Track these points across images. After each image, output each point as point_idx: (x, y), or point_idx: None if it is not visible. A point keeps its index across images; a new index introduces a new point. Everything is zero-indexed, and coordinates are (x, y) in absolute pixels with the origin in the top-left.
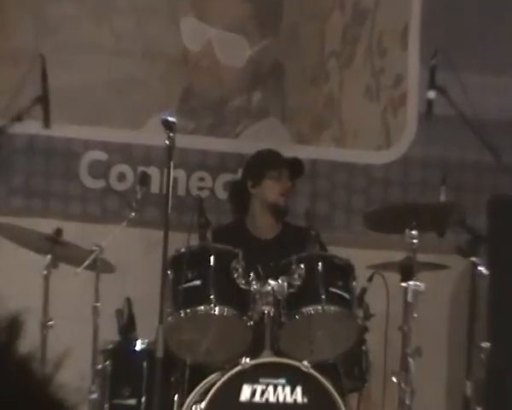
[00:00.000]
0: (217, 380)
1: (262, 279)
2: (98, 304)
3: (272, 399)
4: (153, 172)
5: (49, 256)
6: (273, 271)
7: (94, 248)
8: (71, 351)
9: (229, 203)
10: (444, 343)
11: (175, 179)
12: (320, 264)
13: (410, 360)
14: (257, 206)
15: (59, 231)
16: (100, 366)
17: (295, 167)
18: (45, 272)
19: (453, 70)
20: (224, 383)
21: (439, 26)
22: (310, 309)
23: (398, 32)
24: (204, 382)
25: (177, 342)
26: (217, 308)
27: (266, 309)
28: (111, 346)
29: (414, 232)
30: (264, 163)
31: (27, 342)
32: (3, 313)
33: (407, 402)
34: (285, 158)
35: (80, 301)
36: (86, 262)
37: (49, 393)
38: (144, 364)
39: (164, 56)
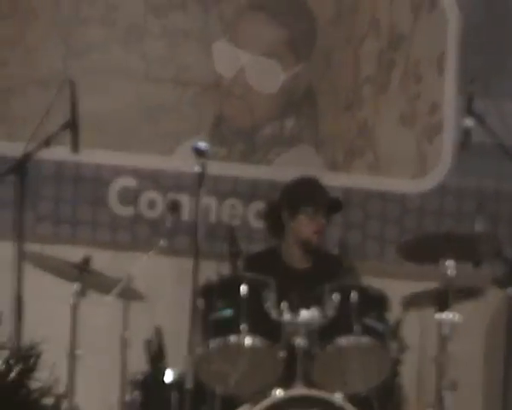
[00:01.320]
0: None
1: (294, 309)
2: (127, 333)
3: None
4: (183, 199)
5: (77, 284)
6: (306, 300)
7: (123, 276)
8: (99, 382)
9: (265, 228)
10: (479, 377)
11: (206, 207)
12: (353, 294)
13: (445, 393)
14: (291, 236)
15: (87, 259)
16: (129, 397)
17: (333, 206)
18: (73, 301)
19: (491, 97)
20: None
21: (477, 53)
22: (343, 341)
23: (434, 58)
24: None
25: (206, 373)
26: (247, 339)
27: (298, 340)
28: (140, 377)
29: (449, 262)
30: (300, 197)
31: (55, 372)
32: (26, 344)
33: None
34: (324, 193)
35: (109, 330)
36: (115, 290)
37: None
38: (174, 395)
39: (195, 82)
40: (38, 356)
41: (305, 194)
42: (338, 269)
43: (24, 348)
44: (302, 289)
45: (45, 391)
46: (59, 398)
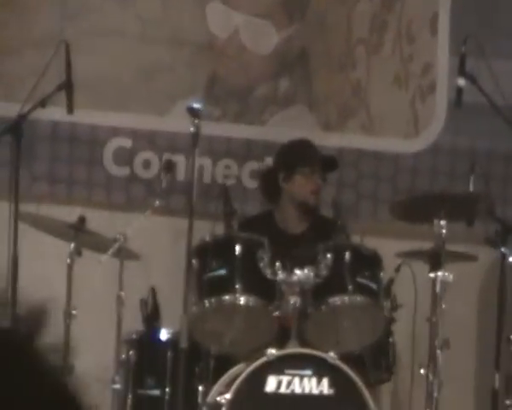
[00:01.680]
0: (242, 371)
1: (288, 269)
2: (122, 293)
3: (298, 390)
4: (178, 159)
5: (72, 244)
6: (300, 260)
7: (118, 236)
8: (94, 341)
9: (260, 192)
10: (472, 335)
11: (200, 167)
12: (347, 254)
13: (438, 351)
14: (286, 200)
15: (82, 219)
16: (123, 356)
17: (329, 165)
18: (69, 261)
19: (483, 57)
20: (249, 375)
21: (469, 13)
22: (336, 300)
23: (427, 19)
24: (229, 373)
25: (201, 333)
26: (242, 298)
27: (292, 299)
28: (135, 336)
29: (443, 222)
30: (296, 158)
31: (51, 332)
32: (27, 302)
33: (435, 395)
34: (318, 153)
35: (104, 289)
36: (110, 251)
37: (66, 387)
38: (168, 354)
39: (190, 43)
40: (48, 313)
41: (300, 154)
42: (332, 230)
43: (33, 306)
44: (296, 251)
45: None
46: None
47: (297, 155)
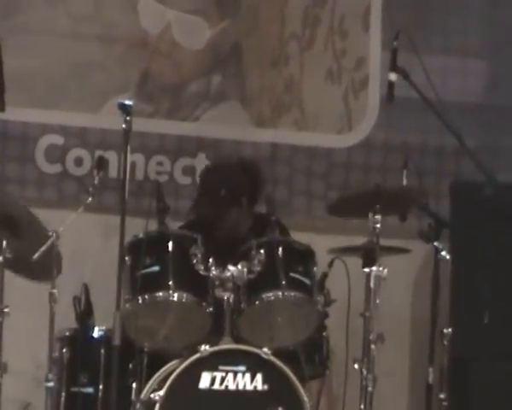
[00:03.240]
0: (175, 368)
1: (221, 265)
2: (55, 290)
3: (232, 386)
4: (110, 156)
5: (4, 242)
6: (233, 256)
7: (50, 233)
8: (27, 339)
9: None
10: (406, 330)
11: (133, 164)
12: (280, 249)
13: (373, 346)
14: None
15: (11, 220)
16: (57, 354)
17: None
18: (0, 258)
19: (415, 52)
20: (182, 371)
21: (401, 8)
22: (270, 295)
23: (359, 14)
24: (162, 369)
25: (134, 329)
26: (175, 294)
27: (225, 295)
28: (68, 333)
29: (377, 216)
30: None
31: None
32: None
33: (369, 389)
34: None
35: (37, 287)
36: (42, 248)
37: None
38: (102, 351)
39: (121, 40)
40: None
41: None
42: (266, 226)
43: None
44: (229, 246)
45: None
46: None
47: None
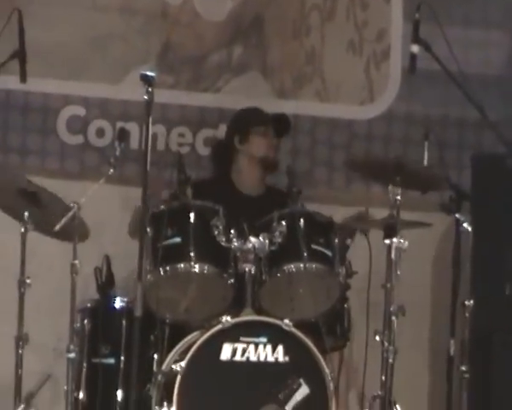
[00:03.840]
0: (197, 339)
1: (243, 237)
2: (76, 262)
3: (253, 358)
4: (132, 127)
5: (26, 213)
6: (254, 228)
7: (72, 204)
8: (49, 310)
9: (212, 161)
10: (427, 302)
11: (154, 135)
12: (302, 221)
13: (394, 318)
14: (244, 162)
15: (35, 195)
16: (78, 325)
17: (281, 124)
18: (22, 229)
19: (437, 24)
20: (204, 342)
21: None
22: (291, 267)
23: None
24: (184, 341)
25: (156, 301)
26: (197, 266)
27: (247, 267)
28: (89, 304)
29: (397, 189)
30: (250, 119)
31: (4, 299)
32: None
33: (390, 361)
34: (270, 115)
35: (58, 258)
36: (63, 220)
37: None
38: (123, 322)
39: (143, 11)
40: None
41: (253, 116)
42: (287, 200)
43: None
44: (253, 217)
45: None
46: None
47: (250, 117)
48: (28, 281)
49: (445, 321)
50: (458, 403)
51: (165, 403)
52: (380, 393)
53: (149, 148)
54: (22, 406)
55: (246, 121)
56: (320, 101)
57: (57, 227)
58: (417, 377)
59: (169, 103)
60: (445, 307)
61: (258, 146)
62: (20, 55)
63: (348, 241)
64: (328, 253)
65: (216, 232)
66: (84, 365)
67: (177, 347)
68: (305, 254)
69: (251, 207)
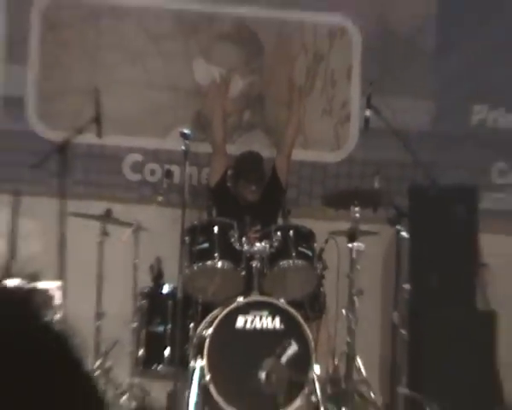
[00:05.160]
0: (219, 313)
1: (251, 243)
2: (137, 261)
3: (258, 326)
4: (175, 168)
5: (101, 229)
6: (259, 236)
7: (133, 222)
8: (119, 296)
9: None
10: (378, 286)
11: (190, 174)
12: (291, 232)
13: (355, 298)
14: (236, 192)
15: (109, 211)
16: (139, 304)
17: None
18: (99, 240)
19: (383, 95)
20: (224, 315)
21: (374, 64)
22: (285, 263)
23: (344, 70)
24: (210, 314)
25: (192, 287)
26: (219, 263)
27: (254, 263)
28: (146, 290)
29: (356, 208)
30: (239, 173)
31: (86, 293)
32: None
33: (352, 328)
34: (255, 170)
35: (124, 259)
36: (128, 232)
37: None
38: (169, 302)
39: (182, 88)
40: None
41: (242, 170)
42: (279, 198)
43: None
44: (253, 216)
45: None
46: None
47: (240, 171)
48: (104, 275)
49: (391, 300)
50: (400, 356)
51: (198, 358)
52: (346, 350)
53: (187, 183)
54: (101, 359)
55: (237, 173)
56: (304, 149)
57: (124, 238)
58: (372, 339)
59: (200, 152)
60: (391, 290)
61: (242, 189)
62: (97, 119)
63: (323, 245)
64: (310, 253)
65: (232, 240)
66: (143, 331)
67: (206, 319)
68: (294, 254)
69: (253, 214)
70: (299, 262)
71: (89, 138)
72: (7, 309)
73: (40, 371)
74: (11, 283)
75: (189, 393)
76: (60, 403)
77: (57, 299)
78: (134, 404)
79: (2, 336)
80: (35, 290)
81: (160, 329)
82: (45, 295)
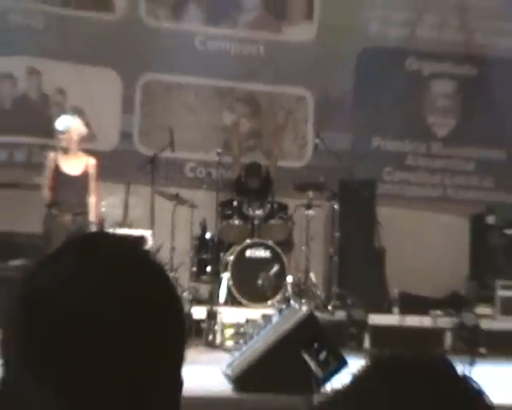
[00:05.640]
0: (236, 248)
1: (253, 210)
2: (192, 220)
3: (257, 255)
4: (213, 170)
5: (173, 203)
6: (258, 206)
7: (190, 199)
8: (182, 242)
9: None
10: (322, 234)
11: (221, 174)
12: (275, 204)
13: (310, 241)
14: None
15: (177, 194)
16: (194, 243)
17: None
18: (172, 208)
19: (324, 132)
20: (239, 249)
21: (320, 115)
22: (272, 221)
23: (304, 118)
24: (231, 249)
25: (222, 234)
26: (236, 221)
27: (255, 221)
28: (198, 235)
29: (311, 192)
30: (248, 173)
31: (165, 237)
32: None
33: (308, 257)
34: (258, 173)
35: (185, 219)
36: (188, 204)
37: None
38: (210, 243)
39: (217, 127)
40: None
41: (250, 171)
42: (269, 185)
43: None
44: (256, 200)
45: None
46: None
47: (250, 171)
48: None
49: (328, 241)
50: (334, 271)
51: (225, 272)
52: (304, 268)
53: (219, 178)
54: (173, 272)
55: (247, 172)
56: (282, 160)
57: (188, 205)
58: (318, 262)
59: (226, 162)
60: (328, 236)
61: (249, 182)
62: (171, 143)
63: (292, 212)
64: (285, 216)
65: (244, 208)
66: (195, 258)
67: (230, 250)
68: (276, 217)
69: (254, 193)
70: (279, 221)
71: (167, 153)
72: (131, 243)
73: (158, 289)
74: (125, 232)
75: (220, 291)
76: (167, 322)
77: (150, 241)
78: (190, 296)
79: (136, 261)
80: (140, 236)
81: (205, 256)
82: (144, 239)
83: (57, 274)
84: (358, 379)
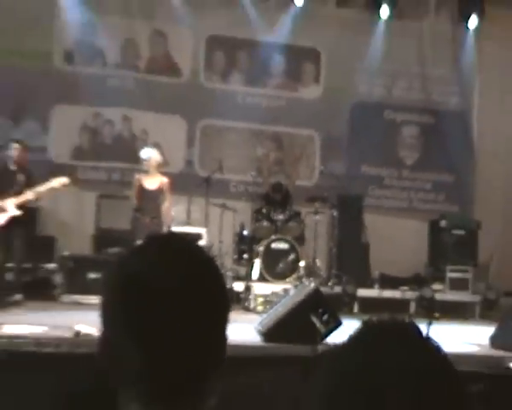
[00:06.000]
0: (264, 242)
1: (275, 215)
2: (234, 222)
3: (279, 247)
4: (250, 187)
5: (221, 210)
6: (279, 212)
7: (233, 208)
8: (228, 236)
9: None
10: (324, 233)
11: (256, 190)
12: (292, 211)
13: (316, 239)
14: None
15: (224, 203)
16: (235, 239)
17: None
18: (220, 213)
19: (325, 163)
20: (267, 243)
21: (324, 152)
22: (290, 223)
23: (313, 153)
24: (261, 242)
25: (255, 232)
26: (264, 223)
27: (278, 223)
28: (237, 233)
29: (317, 203)
30: (273, 190)
31: (214, 234)
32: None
33: (315, 249)
34: (281, 189)
35: (230, 222)
36: (231, 211)
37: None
38: (247, 238)
39: (252, 158)
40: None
41: (274, 188)
42: (288, 198)
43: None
44: (279, 208)
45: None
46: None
47: (274, 188)
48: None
49: (330, 239)
50: (334, 260)
51: (257, 258)
52: (312, 257)
53: (254, 192)
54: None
55: (272, 189)
56: (298, 180)
57: (232, 210)
58: (322, 253)
59: (258, 181)
60: (330, 235)
61: (274, 195)
62: (220, 168)
63: (304, 217)
64: (299, 220)
65: (271, 214)
66: (236, 249)
67: (260, 243)
68: (293, 221)
69: (277, 203)
70: (295, 223)
71: (217, 175)
72: (191, 241)
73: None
74: (188, 230)
75: (253, 271)
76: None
77: (205, 236)
78: (232, 275)
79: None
80: (198, 233)
81: (243, 247)
82: (200, 235)
83: (144, 260)
84: (353, 337)
